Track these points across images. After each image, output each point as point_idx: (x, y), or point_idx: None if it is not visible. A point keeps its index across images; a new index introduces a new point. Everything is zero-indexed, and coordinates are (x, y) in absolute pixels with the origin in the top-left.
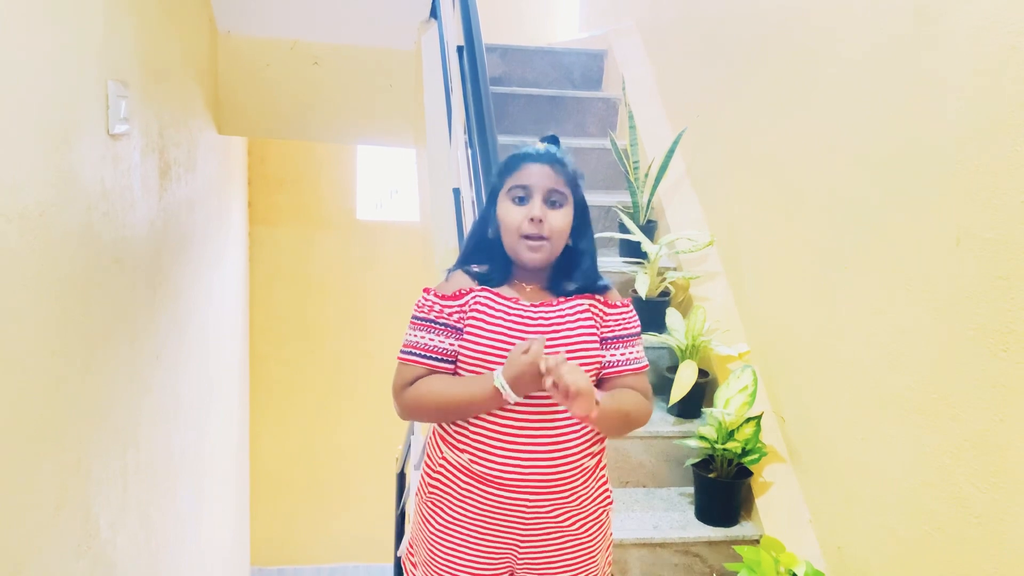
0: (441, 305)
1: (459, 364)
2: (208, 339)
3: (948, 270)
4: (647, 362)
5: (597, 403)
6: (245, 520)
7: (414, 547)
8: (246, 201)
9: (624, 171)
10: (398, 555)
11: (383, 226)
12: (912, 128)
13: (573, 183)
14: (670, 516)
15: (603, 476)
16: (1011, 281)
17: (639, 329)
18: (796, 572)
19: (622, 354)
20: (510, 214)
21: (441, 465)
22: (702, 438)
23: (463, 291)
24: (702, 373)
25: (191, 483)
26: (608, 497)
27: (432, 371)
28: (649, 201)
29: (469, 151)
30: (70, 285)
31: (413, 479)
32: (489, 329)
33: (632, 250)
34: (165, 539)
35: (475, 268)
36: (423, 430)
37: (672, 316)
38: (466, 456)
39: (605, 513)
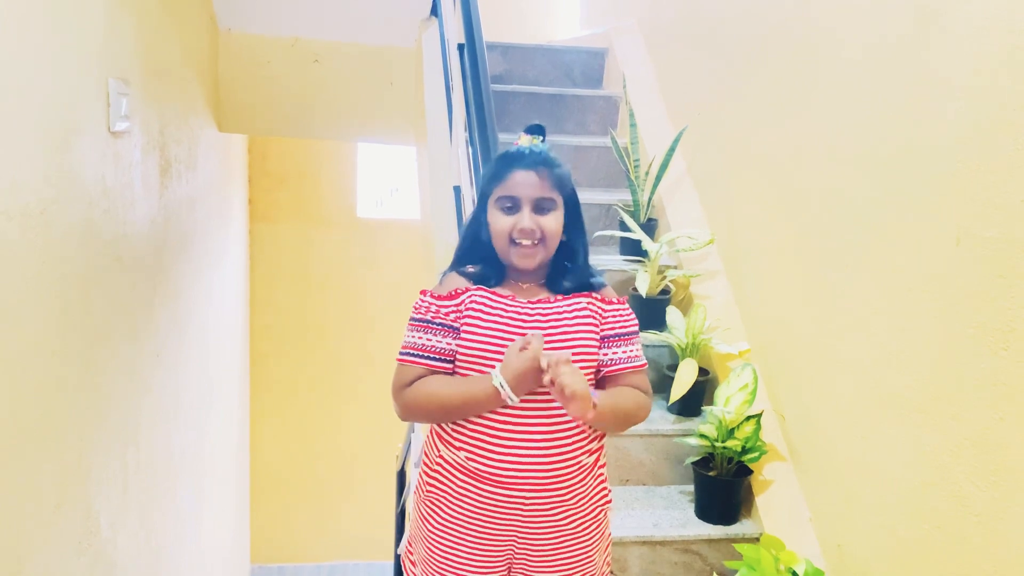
0: (437, 306)
1: (457, 363)
2: (208, 337)
3: (948, 269)
4: (645, 360)
5: (594, 405)
6: (245, 518)
7: (413, 545)
8: (246, 199)
9: (625, 169)
10: (398, 553)
11: (384, 224)
12: (912, 128)
13: (560, 184)
14: (670, 514)
15: (601, 475)
16: (1011, 280)
17: (637, 327)
18: (796, 570)
19: (624, 352)
20: (499, 223)
21: (439, 463)
22: (702, 436)
23: (459, 290)
24: (702, 371)
25: (191, 481)
26: (607, 496)
27: (431, 371)
28: (650, 199)
29: (470, 149)
30: (70, 283)
31: (413, 477)
32: (486, 327)
33: (633, 248)
34: (165, 537)
35: (470, 269)
36: (423, 428)
37: (672, 314)
38: (463, 454)
39: (603, 512)
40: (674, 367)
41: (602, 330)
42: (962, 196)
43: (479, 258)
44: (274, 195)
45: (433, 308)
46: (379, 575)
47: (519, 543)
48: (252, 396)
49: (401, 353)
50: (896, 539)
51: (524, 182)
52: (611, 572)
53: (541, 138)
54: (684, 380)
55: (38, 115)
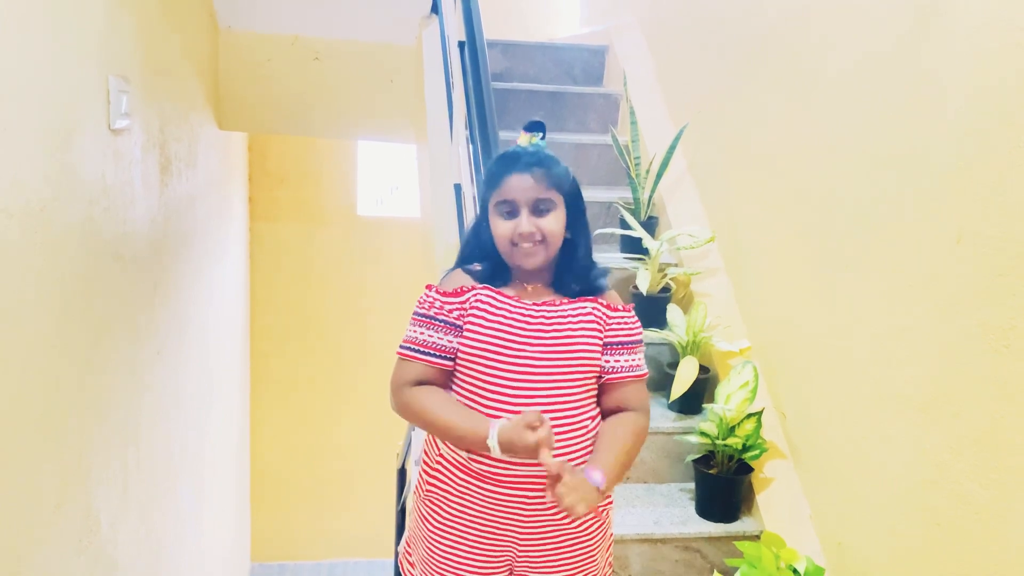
0: (442, 302)
1: (458, 361)
2: (209, 336)
3: (949, 267)
4: (647, 370)
5: (600, 491)
6: (246, 516)
7: (411, 545)
8: (247, 197)
9: (625, 167)
10: (398, 551)
11: (384, 222)
12: (912, 127)
13: (558, 183)
14: (671, 512)
15: None
16: (1012, 278)
17: (642, 336)
18: (797, 568)
19: (626, 360)
20: (500, 228)
21: (439, 462)
22: (703, 434)
23: (465, 288)
24: (703, 369)
25: (191, 480)
26: (608, 496)
27: (430, 367)
28: (650, 197)
29: (470, 147)
30: (71, 281)
31: (413, 475)
32: (489, 326)
33: (633, 246)
34: (165, 535)
35: (476, 267)
36: None
37: (673, 312)
38: (464, 453)
39: (605, 512)
40: (674, 365)
41: (605, 336)
42: (962, 194)
43: (484, 260)
44: (274, 193)
45: (437, 304)
46: (379, 573)
47: (520, 543)
48: (252, 394)
49: (401, 347)
50: (896, 537)
51: (519, 185)
52: (612, 571)
53: (541, 135)
54: (685, 378)
55: (38, 113)
